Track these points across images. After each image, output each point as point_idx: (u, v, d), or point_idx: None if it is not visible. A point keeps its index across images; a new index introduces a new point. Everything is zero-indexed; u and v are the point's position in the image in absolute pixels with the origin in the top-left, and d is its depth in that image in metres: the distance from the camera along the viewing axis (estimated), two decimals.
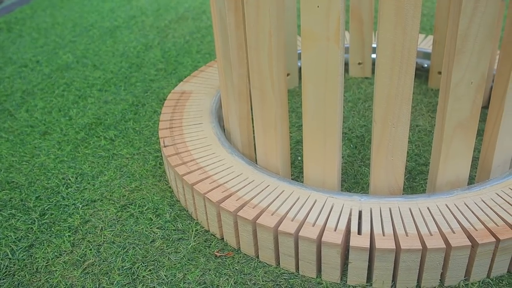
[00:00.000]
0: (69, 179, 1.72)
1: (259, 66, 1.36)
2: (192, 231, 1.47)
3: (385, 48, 1.18)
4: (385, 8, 1.14)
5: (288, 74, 2.20)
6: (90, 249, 1.42)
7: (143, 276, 1.32)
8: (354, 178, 1.64)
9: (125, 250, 1.41)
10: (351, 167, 1.69)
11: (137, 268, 1.35)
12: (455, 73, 1.21)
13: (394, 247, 1.20)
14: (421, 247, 1.20)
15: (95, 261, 1.38)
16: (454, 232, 1.23)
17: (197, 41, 2.84)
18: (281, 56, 1.34)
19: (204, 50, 2.71)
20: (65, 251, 1.42)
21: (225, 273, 1.32)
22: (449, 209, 1.30)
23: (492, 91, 1.37)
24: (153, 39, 2.89)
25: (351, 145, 1.80)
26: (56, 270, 1.36)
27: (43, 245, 1.45)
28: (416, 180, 1.62)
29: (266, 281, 1.29)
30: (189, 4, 3.46)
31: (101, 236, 1.47)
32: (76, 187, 1.68)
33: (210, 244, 1.42)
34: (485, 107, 1.96)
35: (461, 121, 1.28)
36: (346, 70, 2.35)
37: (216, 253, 1.39)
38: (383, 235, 1.24)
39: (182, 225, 1.49)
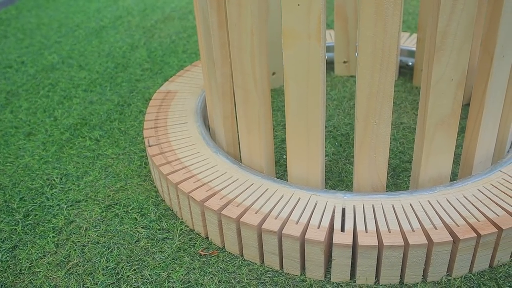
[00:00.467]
0: (54, 180, 1.71)
1: (242, 65, 1.36)
2: (177, 230, 1.47)
3: (365, 46, 1.19)
4: (365, 6, 1.14)
5: (273, 73, 2.20)
6: (75, 250, 1.42)
7: (128, 276, 1.32)
8: (339, 176, 1.65)
9: (109, 250, 1.41)
10: (335, 165, 1.70)
11: (122, 268, 1.35)
12: (436, 70, 1.22)
13: (377, 244, 1.21)
14: (403, 244, 1.21)
15: (79, 261, 1.38)
16: (436, 228, 1.24)
17: (183, 41, 2.83)
18: (263, 55, 1.34)
19: (190, 49, 2.71)
20: (49, 252, 1.42)
21: (209, 272, 1.32)
22: (432, 206, 1.31)
23: (473, 88, 1.38)
24: (139, 39, 2.88)
25: (336, 143, 1.81)
26: (40, 271, 1.35)
27: (27, 246, 1.44)
28: (400, 177, 1.63)
29: (250, 279, 1.30)
30: (176, 4, 3.45)
31: (85, 236, 1.46)
32: (61, 187, 1.67)
33: (195, 243, 1.42)
34: (468, 104, 1.98)
35: (443, 118, 1.29)
36: (332, 68, 2.36)
37: (200, 252, 1.39)
38: (366, 232, 1.24)
39: (167, 225, 1.49)
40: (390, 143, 1.80)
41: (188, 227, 1.48)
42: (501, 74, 1.33)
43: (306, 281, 1.28)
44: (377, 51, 1.18)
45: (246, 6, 1.27)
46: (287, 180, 1.61)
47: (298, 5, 1.18)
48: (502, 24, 1.24)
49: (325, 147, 1.79)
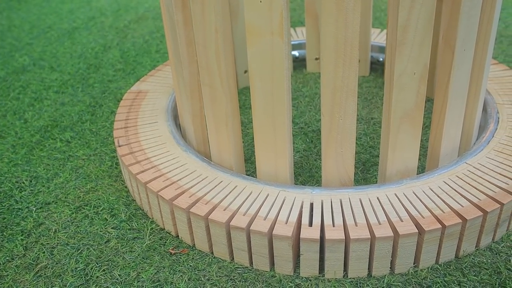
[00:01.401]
0: (23, 182, 1.69)
1: (208, 63, 1.36)
2: (147, 229, 1.46)
3: (328, 41, 1.20)
4: (326, 1, 1.15)
5: (245, 71, 2.21)
6: (43, 252, 1.40)
7: (97, 277, 1.32)
8: (309, 172, 1.66)
9: (79, 251, 1.40)
10: (306, 161, 1.71)
11: (91, 268, 1.34)
12: (398, 64, 1.24)
13: (344, 238, 1.22)
14: (370, 237, 1.22)
15: (48, 263, 1.37)
16: (402, 221, 1.25)
17: (156, 41, 2.82)
18: (228, 53, 1.34)
19: (163, 49, 2.70)
20: (17, 255, 1.40)
21: (179, 270, 1.32)
22: (398, 198, 1.32)
23: (436, 82, 1.40)
24: (112, 40, 2.86)
25: (307, 140, 1.82)
26: (8, 275, 1.34)
27: None
28: (370, 171, 1.65)
29: (220, 276, 1.30)
30: (149, 4, 3.44)
31: (54, 238, 1.45)
32: (30, 190, 1.66)
33: (165, 242, 1.42)
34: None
35: (407, 111, 1.31)
36: (304, 65, 2.37)
37: (171, 251, 1.39)
38: (333, 226, 1.25)
39: (137, 224, 1.49)
40: (361, 138, 1.81)
41: (158, 226, 1.48)
42: (463, 67, 1.35)
43: (276, 276, 1.29)
44: (339, 46, 1.19)
45: (210, 4, 1.27)
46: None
47: (260, 1, 1.18)
48: (462, 18, 1.26)
49: (296, 144, 1.80)
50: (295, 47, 2.35)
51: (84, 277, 1.32)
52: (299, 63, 2.38)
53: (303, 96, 2.11)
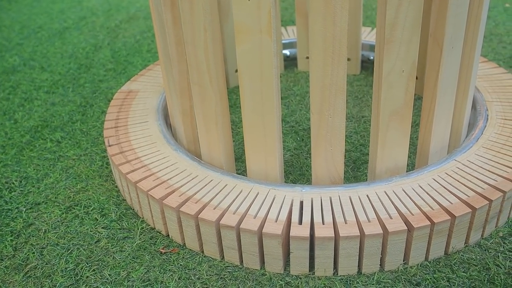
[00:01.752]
0: (13, 183, 1.69)
1: (197, 61, 1.36)
2: (138, 229, 1.46)
3: (316, 40, 1.20)
4: (314, 0, 1.15)
5: (236, 70, 2.21)
6: (33, 253, 1.40)
7: (87, 277, 1.31)
8: (300, 170, 1.66)
9: (69, 251, 1.40)
10: (297, 160, 1.71)
11: (81, 268, 1.34)
12: (386, 62, 1.24)
13: (333, 235, 1.22)
14: (359, 234, 1.22)
15: (37, 264, 1.36)
16: (391, 218, 1.26)
17: (147, 41, 2.82)
18: (217, 51, 1.34)
19: (154, 49, 2.70)
20: (6, 255, 1.40)
21: (169, 269, 1.32)
22: (388, 196, 1.33)
23: (425, 80, 1.40)
24: (103, 40, 2.85)
25: (298, 138, 1.82)
26: None
27: None
28: (361, 169, 1.65)
29: (210, 275, 1.30)
30: (141, 3, 3.43)
31: (44, 238, 1.45)
32: (20, 190, 1.65)
33: (156, 241, 1.42)
34: None
35: (396, 109, 1.31)
36: (295, 64, 2.38)
37: (161, 250, 1.39)
38: (323, 224, 1.26)
39: (128, 224, 1.48)
40: (351, 136, 1.82)
41: (149, 225, 1.48)
42: (451, 65, 1.35)
43: (266, 274, 1.29)
44: (328, 44, 1.19)
45: (198, 3, 1.27)
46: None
47: (248, 0, 1.18)
48: (449, 16, 1.26)
49: (287, 142, 1.80)
50: (286, 46, 2.36)
51: (74, 277, 1.31)
52: (290, 62, 2.38)
53: (294, 95, 2.11)
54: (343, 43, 1.19)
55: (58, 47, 2.79)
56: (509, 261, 1.28)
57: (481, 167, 1.41)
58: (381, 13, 1.20)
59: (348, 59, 2.24)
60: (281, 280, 1.27)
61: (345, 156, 1.71)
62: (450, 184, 1.35)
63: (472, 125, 1.63)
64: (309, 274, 1.28)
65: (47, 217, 1.53)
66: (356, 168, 1.66)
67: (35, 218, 1.53)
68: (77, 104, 2.17)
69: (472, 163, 1.43)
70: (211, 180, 1.42)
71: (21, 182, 1.69)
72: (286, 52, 2.35)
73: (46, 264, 1.36)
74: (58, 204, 1.58)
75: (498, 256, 1.30)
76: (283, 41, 2.35)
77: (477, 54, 1.46)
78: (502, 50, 2.39)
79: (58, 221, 1.51)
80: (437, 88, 1.36)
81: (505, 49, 2.39)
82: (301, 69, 2.33)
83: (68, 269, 1.34)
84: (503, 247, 1.32)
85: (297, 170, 1.66)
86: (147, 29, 2.97)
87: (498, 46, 2.44)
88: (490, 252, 1.32)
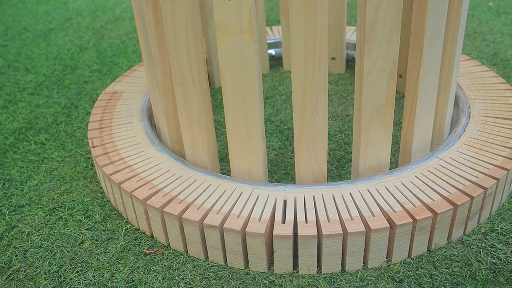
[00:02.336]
0: None
1: (179, 61, 1.36)
2: (122, 230, 1.46)
3: (297, 39, 1.20)
4: (294, 0, 1.16)
5: None
6: (16, 255, 1.39)
7: (70, 278, 1.31)
8: (285, 169, 1.66)
9: (52, 253, 1.39)
10: (281, 159, 1.71)
11: (65, 270, 1.33)
12: (367, 61, 1.25)
13: (316, 234, 1.23)
14: (342, 232, 1.23)
15: (20, 266, 1.35)
16: (374, 216, 1.26)
17: (133, 41, 2.81)
18: (199, 51, 1.34)
19: (140, 50, 2.69)
20: None
21: (153, 270, 1.32)
22: (371, 194, 1.34)
23: (407, 78, 1.41)
24: (88, 41, 2.84)
25: (283, 137, 1.83)
26: None
27: None
28: (345, 168, 1.66)
29: (194, 275, 1.30)
30: (127, 4, 3.42)
31: (27, 241, 1.44)
32: (3, 193, 1.64)
33: (140, 242, 1.41)
34: None
35: (377, 107, 1.32)
36: (280, 64, 2.38)
37: (145, 251, 1.38)
38: (306, 222, 1.26)
39: (112, 225, 1.48)
40: (336, 135, 1.82)
41: (133, 226, 1.47)
42: (432, 63, 1.36)
43: (250, 274, 1.29)
44: (309, 43, 1.20)
45: (179, 3, 1.27)
46: None
47: (229, 0, 1.19)
48: (429, 15, 1.27)
49: (272, 142, 1.80)
50: (271, 45, 2.36)
51: (57, 279, 1.31)
52: (275, 62, 2.39)
53: (279, 94, 2.12)
54: (324, 42, 1.20)
55: (43, 48, 2.77)
56: (491, 257, 1.29)
57: (463, 164, 1.42)
58: (361, 12, 1.21)
59: (333, 58, 2.25)
60: (265, 279, 1.28)
61: (329, 154, 1.72)
62: (432, 182, 1.36)
63: (455, 122, 1.65)
64: (293, 273, 1.29)
65: (30, 219, 1.52)
66: (341, 167, 1.66)
67: (18, 220, 1.52)
68: (62, 106, 2.15)
69: (454, 160, 1.44)
70: (195, 180, 1.42)
71: (4, 184, 1.68)
72: (271, 51, 2.36)
73: (29, 266, 1.35)
74: (41, 206, 1.57)
75: (480, 252, 1.31)
76: (268, 41, 2.36)
77: (458, 52, 1.47)
78: (485, 48, 2.41)
79: (41, 223, 1.50)
80: (418, 86, 1.37)
81: (488, 47, 2.42)
82: (287, 69, 2.33)
83: (52, 271, 1.33)
84: (485, 243, 1.34)
85: (281, 169, 1.67)
86: (133, 30, 2.97)
87: (481, 44, 2.46)
88: (472, 248, 1.33)
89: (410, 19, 1.85)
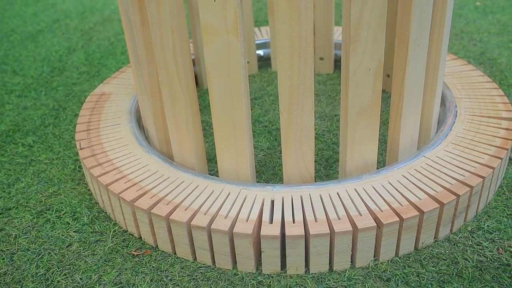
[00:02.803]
0: None
1: (166, 63, 1.36)
2: (110, 232, 1.45)
3: (282, 39, 1.20)
4: (279, 0, 1.16)
5: None
6: (3, 258, 1.38)
7: (58, 281, 1.30)
8: (273, 170, 1.67)
9: (40, 256, 1.38)
10: (270, 159, 1.72)
11: (52, 273, 1.33)
12: (353, 60, 1.25)
13: (303, 233, 1.23)
14: (329, 231, 1.23)
15: (7, 270, 1.35)
16: (361, 215, 1.27)
17: (122, 43, 2.80)
18: (186, 52, 1.34)
19: None
20: None
21: (141, 272, 1.31)
22: (358, 193, 1.34)
23: (393, 78, 1.42)
24: (76, 42, 2.83)
25: (271, 138, 1.83)
26: None
27: None
28: (333, 167, 1.67)
29: (182, 276, 1.30)
30: (116, 5, 3.41)
31: (15, 244, 1.43)
32: None
33: (128, 244, 1.41)
34: None
35: (364, 107, 1.33)
36: (269, 64, 2.39)
37: (133, 252, 1.38)
38: (293, 222, 1.26)
39: (100, 227, 1.47)
40: (324, 135, 1.83)
41: (121, 228, 1.47)
42: (418, 62, 1.37)
43: (238, 274, 1.29)
44: (294, 44, 1.20)
45: (165, 4, 1.27)
46: None
47: (214, 0, 1.19)
48: (414, 14, 1.28)
49: (260, 142, 1.81)
50: (259, 46, 2.36)
51: (45, 282, 1.30)
52: (264, 62, 2.39)
53: (268, 95, 2.12)
54: (309, 42, 1.20)
55: (31, 50, 2.76)
56: (477, 255, 1.30)
57: (449, 162, 1.43)
58: (346, 12, 1.22)
59: (321, 59, 2.25)
60: (253, 279, 1.28)
61: (317, 154, 1.72)
62: (419, 180, 1.37)
63: (442, 121, 1.66)
64: (281, 273, 1.29)
65: (17, 222, 1.51)
66: (329, 166, 1.67)
67: (5, 223, 1.51)
68: (50, 108, 2.15)
69: (441, 159, 1.45)
70: (183, 181, 1.42)
71: None
72: (260, 52, 2.36)
73: (17, 269, 1.35)
74: (29, 209, 1.56)
75: (467, 250, 1.32)
76: (257, 42, 2.36)
77: (444, 51, 1.48)
78: (473, 47, 2.43)
79: (29, 226, 1.49)
80: (404, 85, 1.38)
81: (475, 47, 2.43)
82: (275, 69, 2.33)
83: (39, 274, 1.33)
84: (471, 241, 1.35)
85: (270, 170, 1.67)
86: (122, 31, 2.96)
87: (468, 44, 2.47)
88: (459, 246, 1.34)
89: (395, 19, 1.86)
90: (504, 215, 1.43)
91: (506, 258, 1.29)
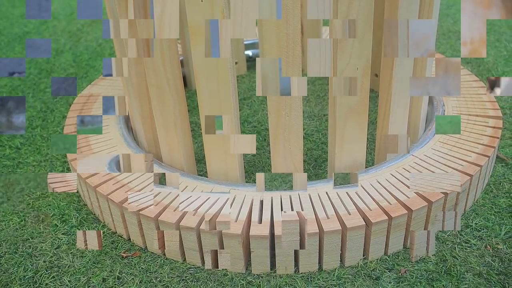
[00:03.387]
0: None
1: (154, 63, 1.35)
2: None
3: (270, 39, 1.20)
4: None
5: None
6: None
7: (46, 284, 1.29)
8: (262, 170, 1.67)
9: (28, 259, 1.37)
10: (259, 159, 1.72)
11: (40, 276, 1.32)
12: (340, 60, 1.26)
13: None
14: (318, 231, 1.23)
15: None
16: (350, 214, 1.27)
17: (110, 44, 2.79)
18: (173, 53, 1.34)
19: None
20: None
21: (131, 273, 1.31)
22: (347, 192, 1.34)
23: (380, 77, 1.42)
24: (64, 44, 2.81)
25: (260, 138, 1.83)
26: None
27: None
28: (322, 167, 1.67)
29: (172, 277, 1.29)
30: (103, 7, 3.39)
31: (2, 247, 1.42)
32: None
33: (117, 246, 1.40)
34: None
35: (352, 106, 1.33)
36: None
37: (122, 254, 1.37)
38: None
39: (89, 229, 1.46)
40: (313, 134, 1.83)
41: (110, 230, 1.46)
42: (405, 62, 1.37)
43: (228, 275, 1.29)
44: (282, 43, 1.20)
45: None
46: None
47: (202, 1, 1.18)
48: (401, 14, 1.29)
49: None
50: (248, 46, 2.36)
51: (33, 285, 1.29)
52: (253, 63, 2.39)
53: (257, 95, 2.11)
54: (297, 42, 1.20)
55: (18, 52, 2.74)
56: (465, 252, 1.31)
57: (437, 161, 1.44)
58: (333, 11, 1.22)
59: None
60: (242, 279, 1.28)
61: (306, 154, 1.72)
62: (407, 179, 1.38)
63: (430, 120, 1.66)
64: (270, 273, 1.29)
65: (5, 225, 1.50)
66: (318, 166, 1.67)
67: None
68: (37, 110, 2.13)
69: (429, 157, 1.45)
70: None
71: None
72: (249, 52, 2.36)
73: (4, 273, 1.33)
74: (17, 212, 1.55)
75: (455, 247, 1.33)
76: (245, 42, 2.36)
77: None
78: (460, 47, 2.44)
79: (17, 229, 1.48)
80: (392, 84, 1.39)
81: None
82: None
83: (27, 277, 1.32)
84: (460, 239, 1.35)
85: (259, 170, 1.67)
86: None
87: (456, 43, 2.49)
88: (448, 244, 1.34)
89: (383, 18, 1.86)
90: (492, 213, 1.43)
91: (493, 256, 1.30)
